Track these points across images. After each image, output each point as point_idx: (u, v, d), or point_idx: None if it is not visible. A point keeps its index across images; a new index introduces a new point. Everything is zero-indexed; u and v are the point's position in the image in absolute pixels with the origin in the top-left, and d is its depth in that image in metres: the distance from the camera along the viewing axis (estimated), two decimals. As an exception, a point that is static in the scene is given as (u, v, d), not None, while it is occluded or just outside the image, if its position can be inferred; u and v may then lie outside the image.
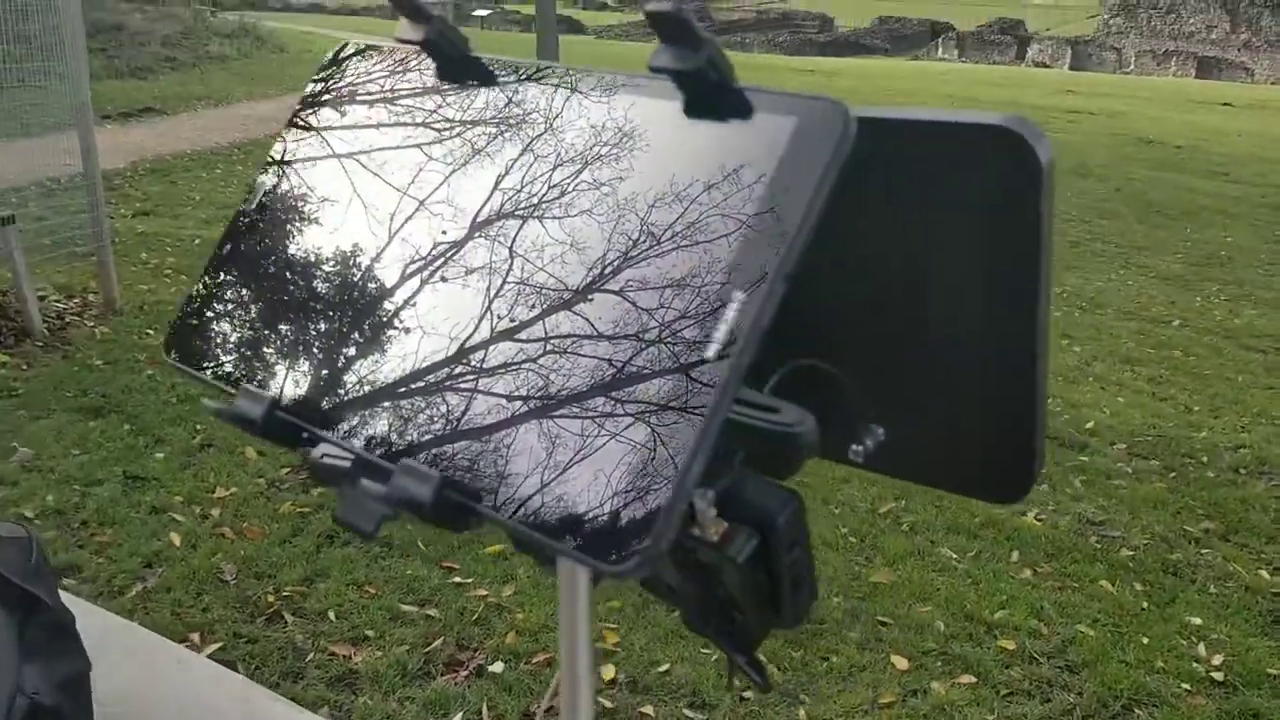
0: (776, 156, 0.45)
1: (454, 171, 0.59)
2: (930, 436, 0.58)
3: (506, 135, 0.59)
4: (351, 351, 0.58)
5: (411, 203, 0.59)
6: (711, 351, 0.44)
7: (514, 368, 0.51)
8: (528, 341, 0.51)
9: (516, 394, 0.50)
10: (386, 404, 0.55)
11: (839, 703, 2.43)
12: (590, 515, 0.45)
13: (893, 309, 0.59)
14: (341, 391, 0.57)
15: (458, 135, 0.61)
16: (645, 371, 0.46)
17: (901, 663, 2.60)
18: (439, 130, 0.62)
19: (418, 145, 0.62)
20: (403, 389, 0.55)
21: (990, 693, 2.51)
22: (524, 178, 0.55)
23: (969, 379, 0.56)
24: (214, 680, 1.52)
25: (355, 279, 0.60)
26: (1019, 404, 0.53)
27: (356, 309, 0.59)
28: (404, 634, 2.57)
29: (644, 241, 0.49)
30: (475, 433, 0.51)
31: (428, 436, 0.53)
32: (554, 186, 0.54)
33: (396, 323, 0.57)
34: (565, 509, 0.46)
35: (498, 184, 0.56)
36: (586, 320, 0.49)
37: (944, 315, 0.57)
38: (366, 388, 0.57)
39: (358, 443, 0.55)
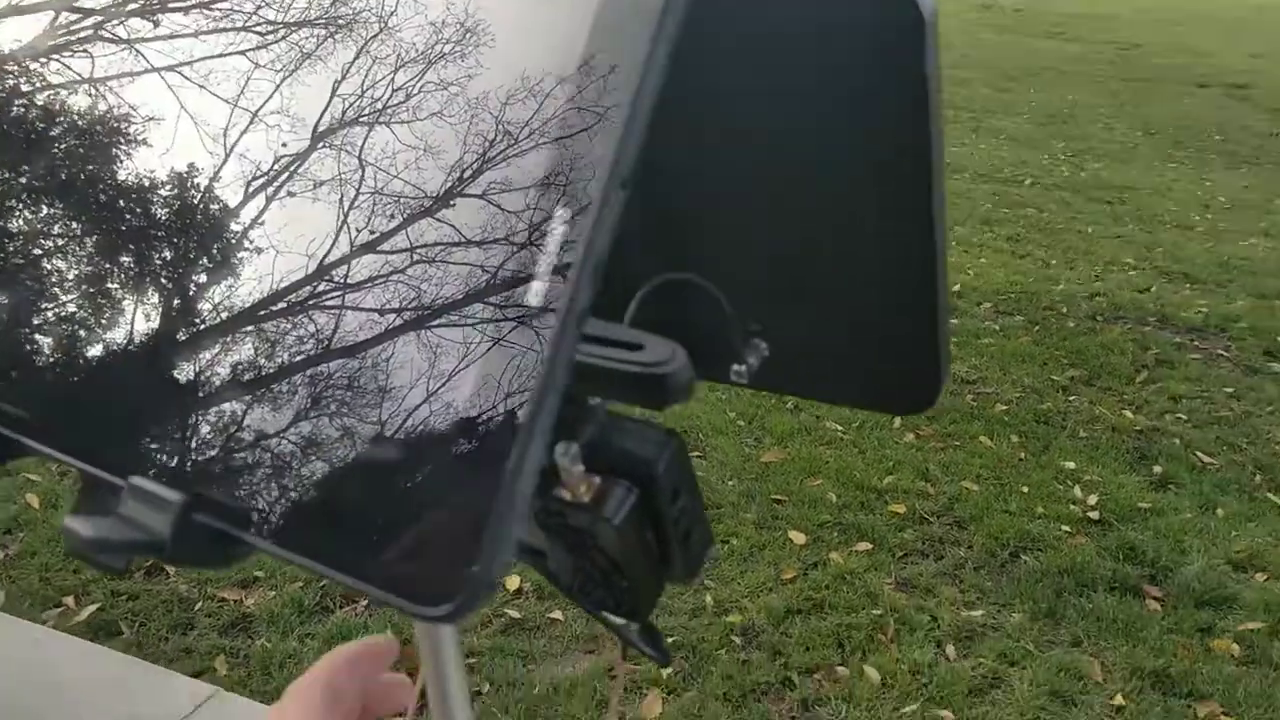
0: (603, 31, 0.36)
1: (284, 79, 0.49)
2: (820, 348, 0.52)
3: (338, 37, 0.48)
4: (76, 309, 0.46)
5: (241, 114, 0.49)
6: (535, 297, 0.35)
7: (286, 335, 0.41)
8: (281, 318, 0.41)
9: (290, 364, 0.40)
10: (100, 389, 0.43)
11: (743, 583, 2.46)
12: (397, 538, 0.35)
13: (764, 204, 0.51)
14: (47, 371, 0.45)
15: (282, 39, 0.50)
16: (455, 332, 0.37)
17: (799, 538, 2.64)
18: (261, 34, 0.51)
19: (240, 53, 0.51)
20: (121, 368, 0.43)
21: (886, 557, 2.58)
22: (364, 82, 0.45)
23: (859, 280, 0.49)
24: (77, 656, 1.41)
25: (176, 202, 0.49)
26: (918, 305, 0.47)
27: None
28: (296, 572, 2.47)
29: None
30: (234, 429, 0.40)
31: (172, 438, 0.41)
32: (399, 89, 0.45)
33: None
34: (365, 531, 0.36)
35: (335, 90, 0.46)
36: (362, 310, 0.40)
37: (824, 207, 0.49)
38: (78, 367, 0.44)
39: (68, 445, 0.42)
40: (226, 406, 0.41)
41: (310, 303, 0.42)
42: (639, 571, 0.44)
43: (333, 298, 0.42)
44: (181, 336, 0.43)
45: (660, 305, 0.53)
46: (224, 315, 0.43)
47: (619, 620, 0.48)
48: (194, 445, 0.41)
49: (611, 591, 0.45)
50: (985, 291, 4.48)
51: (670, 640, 2.26)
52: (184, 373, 0.43)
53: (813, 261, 0.49)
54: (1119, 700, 2.09)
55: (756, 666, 2.19)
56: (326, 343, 0.41)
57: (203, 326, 0.43)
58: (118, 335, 0.44)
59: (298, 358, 0.41)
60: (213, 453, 0.40)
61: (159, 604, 2.34)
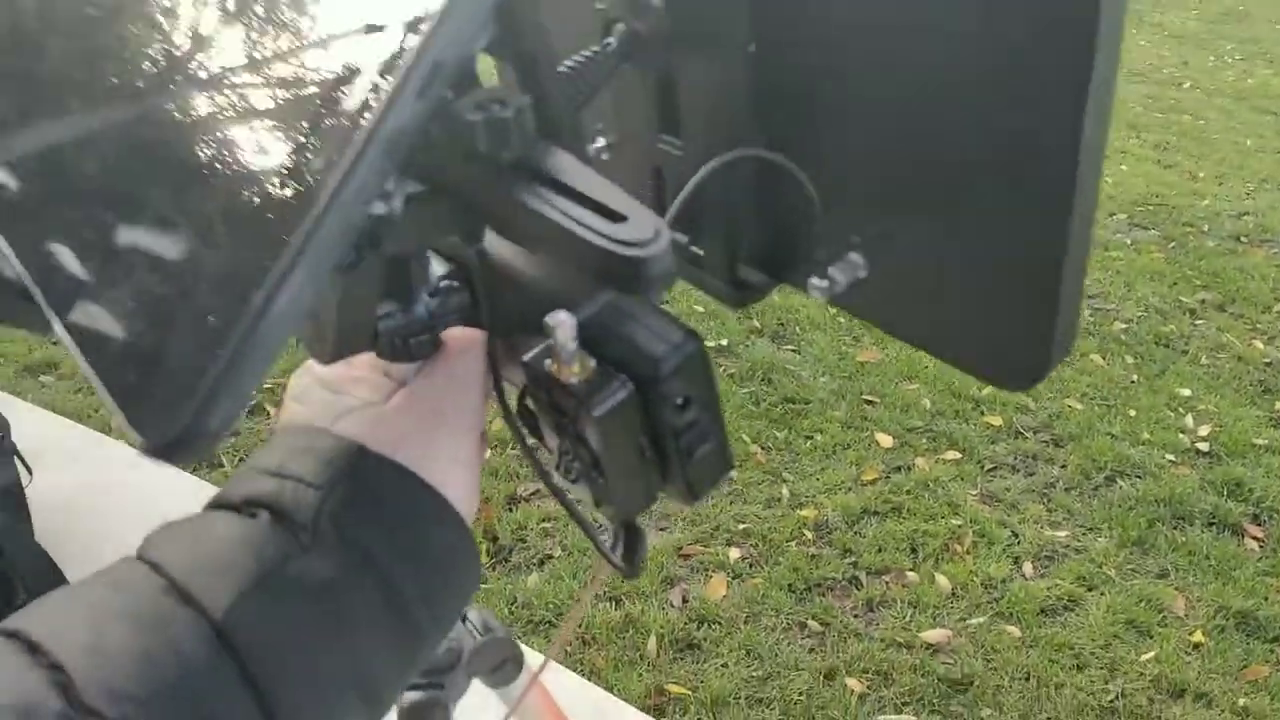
0: None
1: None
2: (920, 285, 0.44)
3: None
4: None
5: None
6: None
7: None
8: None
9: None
10: None
11: (822, 480, 2.44)
12: (136, 352, 0.31)
13: (892, 99, 0.42)
14: None
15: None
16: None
17: (886, 440, 2.59)
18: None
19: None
20: None
21: (974, 468, 2.52)
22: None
23: (977, 212, 0.41)
24: (169, 482, 1.48)
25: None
26: (1040, 260, 0.39)
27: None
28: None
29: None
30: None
31: None
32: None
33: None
34: (120, 337, 0.32)
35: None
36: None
37: (950, 109, 0.40)
38: None
39: None
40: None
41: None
42: (621, 474, 0.40)
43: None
44: None
45: (739, 188, 0.48)
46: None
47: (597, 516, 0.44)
48: None
49: (590, 485, 0.42)
50: (1121, 201, 4.22)
51: (741, 528, 2.27)
52: None
53: (931, 182, 0.42)
54: (1198, 637, 2.02)
55: (825, 562, 2.18)
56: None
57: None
58: None
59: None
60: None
61: (258, 443, 2.45)
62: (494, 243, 0.44)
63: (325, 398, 0.42)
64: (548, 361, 0.39)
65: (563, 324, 0.38)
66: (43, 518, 1.25)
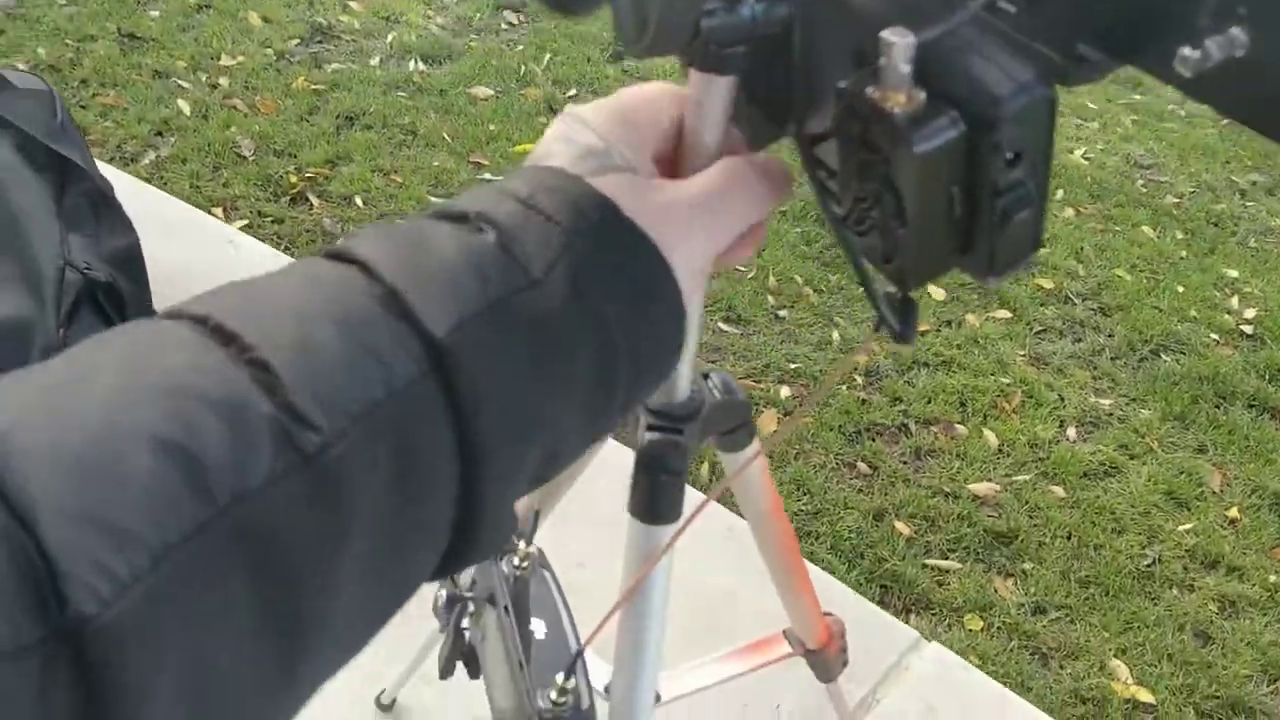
0: None
1: None
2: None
3: None
4: None
5: None
6: None
7: None
8: None
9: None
10: None
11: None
12: None
13: None
14: None
15: None
16: None
17: (939, 293, 2.57)
18: None
19: None
20: None
21: (1023, 329, 2.51)
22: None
23: None
24: (271, 263, 1.43)
25: None
26: None
27: None
28: (435, 226, 2.48)
29: None
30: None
31: None
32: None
33: None
34: None
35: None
36: None
37: None
38: None
39: None
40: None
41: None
42: (923, 228, 0.36)
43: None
44: None
45: None
46: None
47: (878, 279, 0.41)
48: None
49: (885, 238, 0.37)
50: (1181, 71, 4.08)
51: (792, 367, 2.26)
52: None
53: None
54: (1234, 513, 2.07)
55: (875, 408, 2.19)
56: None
57: None
58: None
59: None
60: None
61: (303, 231, 2.38)
62: None
63: (591, 146, 0.38)
64: (871, 88, 0.34)
65: (900, 42, 0.33)
66: (151, 288, 1.21)
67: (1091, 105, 3.73)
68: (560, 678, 0.58)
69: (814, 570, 1.63)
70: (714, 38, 0.38)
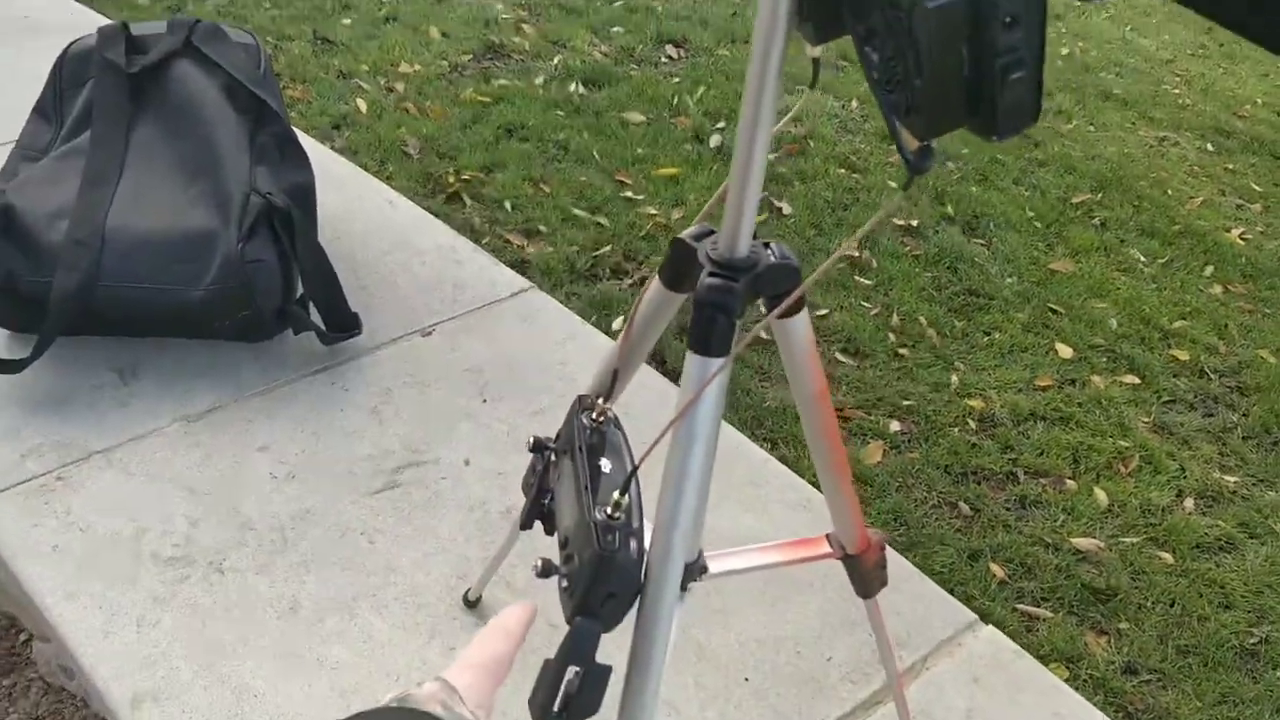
0: None
1: None
2: None
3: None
4: None
5: None
6: None
7: None
8: None
9: None
10: None
11: (994, 376, 2.41)
12: None
13: None
14: None
15: None
16: None
17: (1065, 351, 2.54)
18: None
19: None
20: None
21: (1151, 396, 2.45)
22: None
23: None
24: (421, 225, 1.55)
25: None
26: None
27: None
28: (574, 235, 2.60)
29: None
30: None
31: None
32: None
33: None
34: None
35: None
36: None
37: None
38: None
39: None
40: None
41: None
42: (937, 79, 0.43)
43: None
44: None
45: None
46: None
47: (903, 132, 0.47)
48: None
49: (907, 90, 0.45)
50: (1358, 163, 3.91)
51: (905, 404, 2.28)
52: None
53: None
54: (1358, 607, 1.97)
55: (985, 452, 2.18)
56: None
57: None
58: None
59: None
60: None
61: (455, 226, 2.53)
62: None
63: (463, 717, 0.48)
64: None
65: None
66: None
67: (1256, 187, 3.62)
68: (617, 494, 0.66)
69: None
70: None
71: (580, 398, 0.76)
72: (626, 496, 0.65)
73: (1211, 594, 1.95)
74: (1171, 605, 1.91)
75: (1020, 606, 1.85)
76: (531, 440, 0.77)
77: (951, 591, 1.85)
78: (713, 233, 0.81)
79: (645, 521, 0.71)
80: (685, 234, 0.84)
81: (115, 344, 1.26)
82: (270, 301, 1.22)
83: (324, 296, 1.26)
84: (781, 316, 0.85)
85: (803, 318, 0.87)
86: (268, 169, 1.26)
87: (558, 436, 0.76)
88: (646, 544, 0.73)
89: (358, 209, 1.49)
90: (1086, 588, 1.91)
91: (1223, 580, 1.98)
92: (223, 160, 1.22)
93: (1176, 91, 4.31)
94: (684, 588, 0.82)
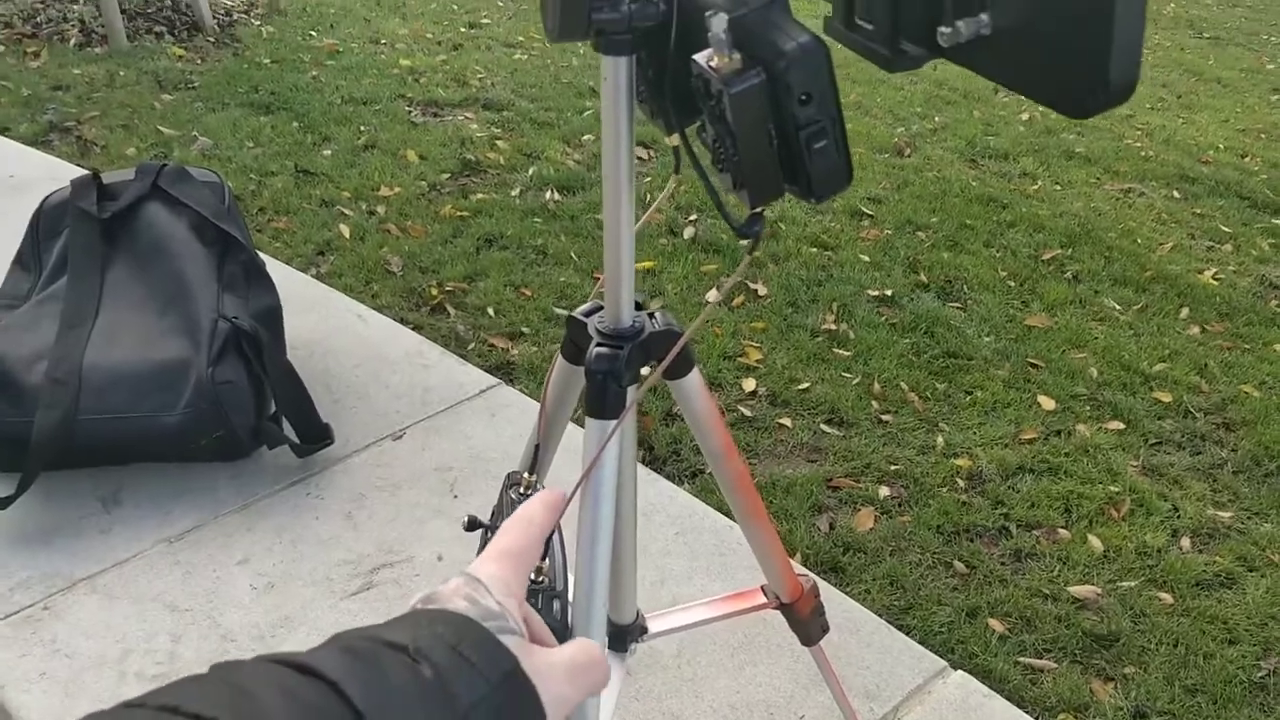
0: None
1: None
2: (1017, 32, 0.50)
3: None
4: None
5: None
6: None
7: None
8: None
9: None
10: None
11: (979, 434, 2.44)
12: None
13: None
14: None
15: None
16: None
17: (1048, 403, 2.57)
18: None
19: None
20: None
21: (1137, 440, 2.48)
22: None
23: None
24: (390, 335, 1.62)
25: None
26: (1095, 10, 0.45)
27: None
28: (557, 333, 2.67)
29: None
30: None
31: None
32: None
33: None
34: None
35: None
36: None
37: None
38: None
39: None
40: None
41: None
42: (753, 151, 0.49)
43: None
44: None
45: None
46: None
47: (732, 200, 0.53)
48: None
49: (729, 164, 0.51)
50: (1323, 196, 3.99)
51: (893, 469, 2.30)
52: None
53: None
54: (1365, 631, 1.96)
55: (975, 510, 2.19)
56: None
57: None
58: None
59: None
60: None
61: (439, 336, 2.60)
62: None
63: (491, 610, 0.45)
64: (709, 54, 0.49)
65: (718, 17, 0.48)
66: (287, 347, 1.41)
67: (1225, 229, 3.69)
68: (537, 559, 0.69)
69: (854, 607, 1.66)
70: (602, 26, 0.55)
71: (510, 474, 0.80)
72: (547, 560, 0.69)
73: (1215, 630, 1.94)
74: (1175, 645, 1.90)
75: (1023, 660, 1.85)
76: (467, 519, 0.81)
77: (953, 650, 1.85)
78: (601, 308, 0.88)
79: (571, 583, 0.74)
80: (577, 311, 0.90)
81: (98, 473, 1.32)
82: (243, 420, 1.28)
83: (295, 411, 1.32)
84: (670, 378, 0.92)
85: (693, 378, 0.94)
86: (235, 296, 1.33)
87: (492, 513, 0.81)
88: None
89: (331, 327, 1.56)
90: (1088, 635, 1.91)
91: (1225, 616, 1.97)
92: (192, 291, 1.30)
93: (1139, 144, 4.43)
94: (626, 649, 0.85)
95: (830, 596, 1.41)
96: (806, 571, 1.09)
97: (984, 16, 0.50)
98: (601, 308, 0.88)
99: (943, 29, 0.51)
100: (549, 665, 0.44)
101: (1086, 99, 0.47)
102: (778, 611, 1.08)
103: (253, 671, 0.36)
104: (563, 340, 0.92)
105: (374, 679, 0.36)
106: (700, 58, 0.50)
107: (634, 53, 0.61)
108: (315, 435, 1.31)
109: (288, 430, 1.30)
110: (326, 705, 0.35)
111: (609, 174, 0.68)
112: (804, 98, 0.49)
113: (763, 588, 1.10)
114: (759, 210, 0.56)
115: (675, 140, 0.63)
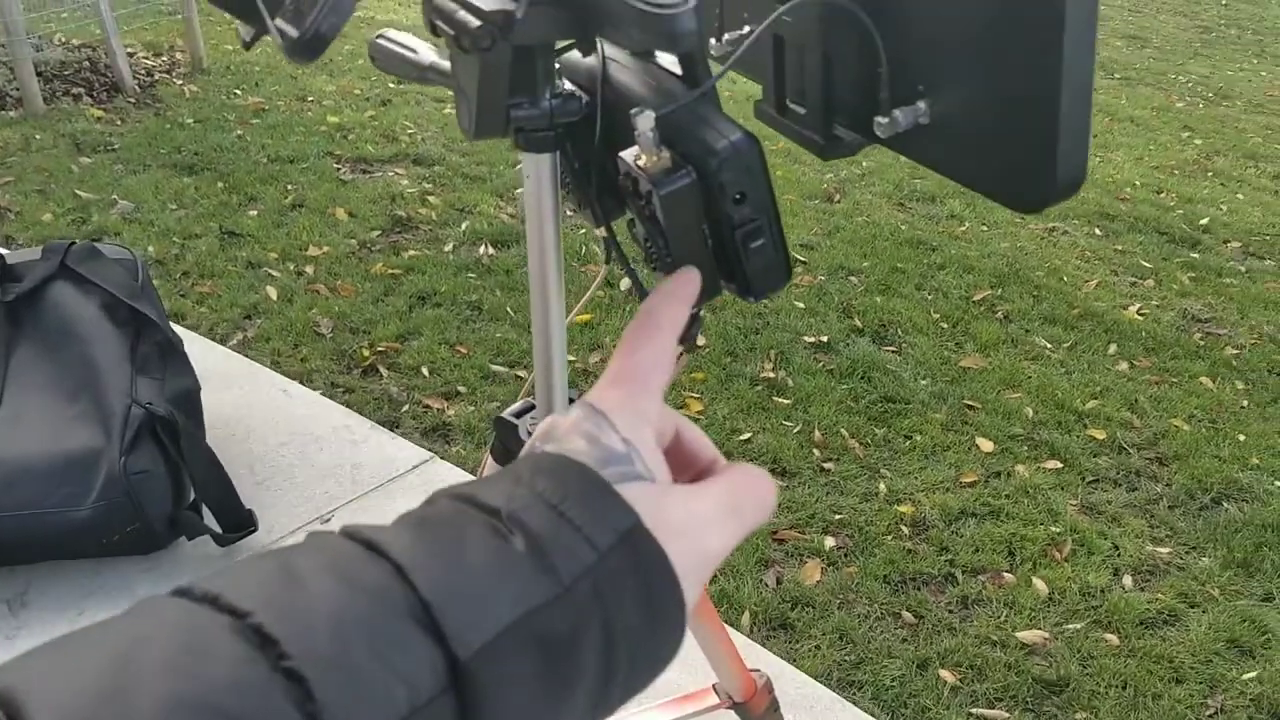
0: None
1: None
2: (958, 122, 0.49)
3: None
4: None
5: None
6: None
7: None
8: None
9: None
10: None
11: (920, 479, 2.44)
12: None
13: None
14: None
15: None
16: None
17: (986, 445, 2.58)
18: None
19: None
20: None
21: (1075, 478, 2.50)
22: None
23: (1000, 61, 0.46)
24: (316, 410, 1.56)
25: None
26: (1041, 102, 0.44)
27: None
28: (495, 391, 2.63)
29: None
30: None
31: None
32: None
33: None
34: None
35: None
36: None
37: None
38: None
39: None
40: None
41: None
42: (685, 252, 0.47)
43: None
44: None
45: (830, 46, 0.53)
46: None
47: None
48: None
49: (662, 264, 0.48)
50: (1237, 229, 4.13)
51: (837, 518, 2.29)
52: None
53: (969, 43, 0.46)
54: (1305, 663, 1.98)
55: (921, 557, 2.19)
56: None
57: None
58: None
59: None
60: None
61: (371, 399, 2.54)
62: (613, 68, 0.54)
63: (615, 451, 0.38)
64: (636, 152, 0.46)
65: (645, 115, 0.45)
66: (207, 429, 1.35)
67: (1146, 264, 3.78)
68: None
69: (806, 681, 1.63)
70: (522, 124, 0.52)
71: (498, 418, 0.76)
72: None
73: (1161, 670, 1.95)
74: (1124, 688, 1.90)
75: (975, 711, 1.83)
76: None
77: (905, 705, 1.83)
78: (534, 408, 0.83)
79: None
80: (506, 412, 0.85)
81: (4, 574, 1.24)
82: (159, 510, 1.21)
83: (216, 498, 1.26)
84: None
85: None
86: (150, 378, 1.27)
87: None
88: None
89: (253, 402, 1.50)
90: (1038, 681, 1.90)
91: (1170, 655, 1.98)
92: (102, 376, 1.24)
93: (1059, 183, 4.53)
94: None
95: (782, 673, 1.37)
96: (759, 667, 1.05)
97: (922, 105, 0.48)
98: (533, 407, 0.83)
99: (879, 119, 0.49)
100: (689, 515, 0.37)
101: (1031, 195, 0.46)
102: (731, 711, 1.04)
103: (317, 550, 0.32)
104: (490, 443, 0.87)
105: (448, 560, 0.31)
106: (627, 155, 0.47)
107: (557, 149, 0.58)
108: (238, 523, 1.25)
109: (208, 519, 1.24)
110: (387, 592, 0.30)
111: (535, 271, 0.65)
112: (738, 196, 0.46)
113: (714, 686, 1.06)
114: (695, 311, 0.53)
115: (603, 232, 0.60)
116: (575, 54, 0.56)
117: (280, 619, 0.28)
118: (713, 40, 0.58)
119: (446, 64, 0.61)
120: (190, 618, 0.29)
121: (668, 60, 0.52)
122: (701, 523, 0.37)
